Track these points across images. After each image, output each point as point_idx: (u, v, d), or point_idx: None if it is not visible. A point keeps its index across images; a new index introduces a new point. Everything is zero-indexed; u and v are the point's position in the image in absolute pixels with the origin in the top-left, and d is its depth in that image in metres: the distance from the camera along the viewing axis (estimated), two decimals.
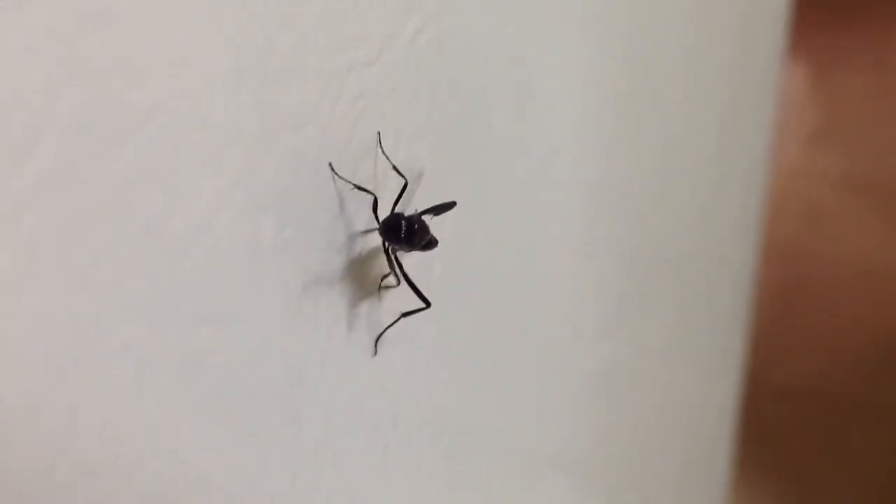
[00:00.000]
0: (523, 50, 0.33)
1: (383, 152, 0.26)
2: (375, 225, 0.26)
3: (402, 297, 0.28)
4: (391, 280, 0.27)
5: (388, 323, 0.28)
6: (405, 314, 0.27)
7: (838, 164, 1.09)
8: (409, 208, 0.27)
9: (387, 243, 0.26)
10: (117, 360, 0.20)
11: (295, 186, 0.24)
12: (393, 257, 0.26)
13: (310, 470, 0.26)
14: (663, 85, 0.49)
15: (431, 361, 0.32)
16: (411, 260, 0.28)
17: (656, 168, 0.50)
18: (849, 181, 1.08)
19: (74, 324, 0.19)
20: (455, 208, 0.28)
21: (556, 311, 0.42)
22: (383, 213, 0.26)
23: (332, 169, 0.25)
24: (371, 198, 0.25)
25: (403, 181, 0.26)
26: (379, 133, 0.26)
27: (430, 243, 0.27)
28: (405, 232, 0.25)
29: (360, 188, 0.25)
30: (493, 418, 0.38)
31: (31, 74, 0.17)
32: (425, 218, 0.27)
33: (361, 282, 0.27)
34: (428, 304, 0.27)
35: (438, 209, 0.27)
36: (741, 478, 0.80)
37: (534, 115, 0.35)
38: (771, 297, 0.94)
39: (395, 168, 0.26)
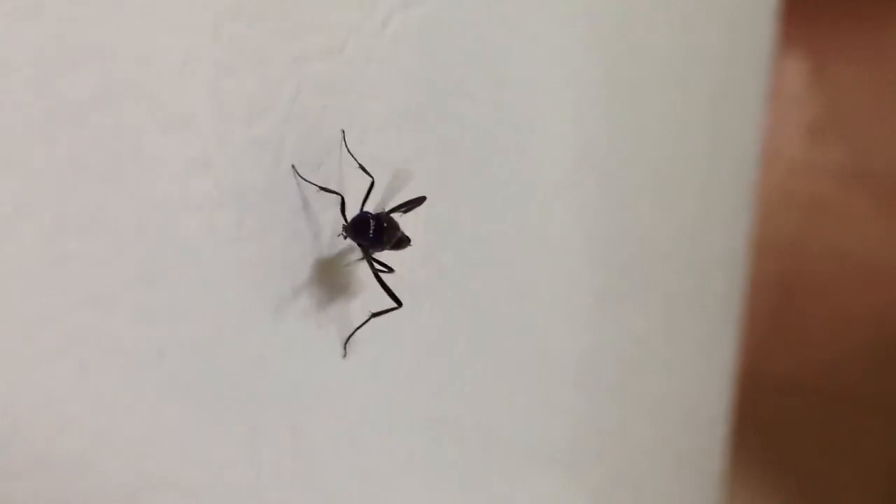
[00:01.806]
0: (499, 41, 0.32)
1: (348, 150, 0.25)
2: (343, 224, 0.25)
3: (372, 295, 0.27)
4: (343, 284, 0.26)
5: (358, 323, 0.27)
6: (375, 314, 0.27)
7: (837, 157, 1.08)
8: (377, 206, 0.26)
9: (356, 243, 0.25)
10: (63, 352, 0.19)
11: (254, 179, 0.23)
12: (366, 258, 0.26)
13: (274, 464, 0.25)
14: (650, 78, 0.48)
15: (407, 355, 0.31)
16: (382, 257, 0.28)
17: (645, 159, 0.50)
18: (848, 174, 1.07)
19: (14, 316, 0.18)
20: (427, 203, 0.27)
21: (541, 303, 0.42)
22: (351, 212, 0.25)
23: (296, 171, 0.24)
24: (338, 198, 0.25)
25: (370, 180, 0.25)
26: (343, 131, 0.25)
27: (402, 241, 0.26)
28: (374, 231, 0.24)
29: (325, 189, 0.24)
30: (480, 415, 0.38)
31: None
32: (395, 216, 0.26)
33: (327, 279, 0.26)
34: (399, 304, 0.26)
35: (408, 205, 0.26)
36: (737, 471, 0.79)
37: (511, 106, 0.34)
38: (770, 290, 0.94)
39: (361, 167, 0.25)
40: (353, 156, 0.25)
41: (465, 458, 0.37)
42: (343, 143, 0.25)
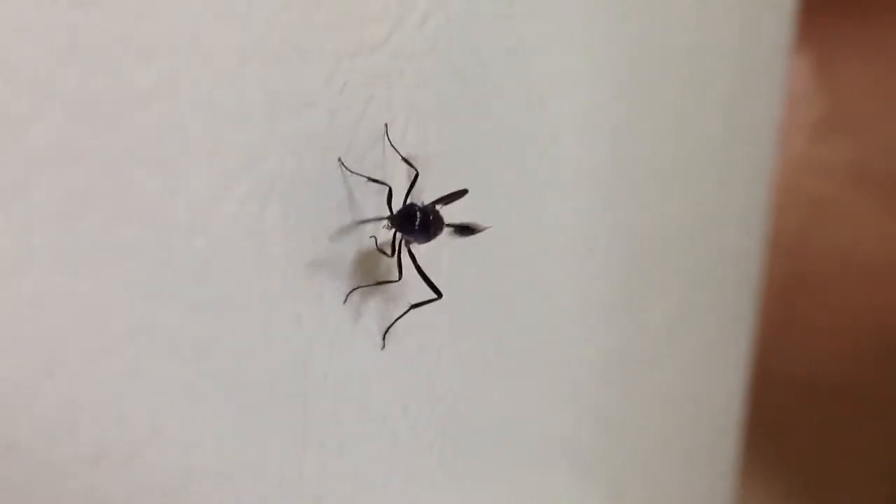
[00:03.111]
0: (529, 36, 0.33)
1: (391, 144, 0.25)
2: (387, 215, 0.25)
3: (411, 288, 0.27)
4: (392, 275, 0.26)
5: (398, 315, 0.27)
6: (414, 305, 0.27)
7: (843, 155, 1.08)
8: (418, 198, 0.26)
9: (400, 235, 0.25)
10: (117, 346, 0.19)
11: (300, 172, 0.23)
12: (406, 249, 0.26)
13: (317, 459, 0.26)
14: (668, 75, 0.48)
15: (441, 351, 0.31)
16: (418, 249, 0.28)
17: (662, 158, 0.50)
18: (854, 173, 1.07)
19: (74, 308, 0.18)
20: (462, 204, 0.27)
21: (561, 301, 0.42)
22: (395, 204, 0.25)
23: (342, 164, 0.24)
24: (385, 188, 0.25)
25: (414, 172, 0.26)
26: (386, 125, 0.25)
27: (468, 228, 0.27)
28: (420, 223, 0.25)
29: (373, 180, 0.25)
30: (498, 408, 0.38)
31: (31, 51, 0.17)
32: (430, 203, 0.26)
33: (369, 271, 0.26)
34: (440, 295, 0.26)
35: (449, 198, 0.26)
36: (746, 468, 0.80)
37: (540, 103, 0.34)
38: (775, 288, 0.94)
39: (405, 160, 0.25)
40: (395, 148, 0.25)
41: (482, 453, 0.37)
42: (386, 136, 0.25)
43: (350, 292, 0.25)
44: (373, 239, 0.25)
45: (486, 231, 0.33)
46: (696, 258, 0.60)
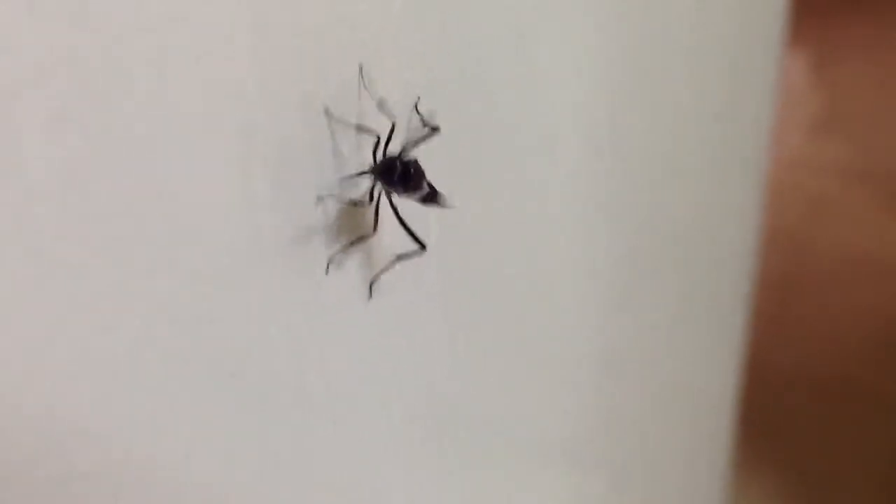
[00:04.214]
0: (526, 20, 0.33)
1: (366, 87, 0.25)
2: (370, 164, 0.25)
3: (398, 244, 0.28)
4: (368, 231, 0.26)
5: (384, 266, 0.28)
6: (400, 257, 0.27)
7: (840, 153, 1.08)
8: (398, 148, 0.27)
9: (380, 185, 0.26)
10: (112, 314, 0.20)
11: (287, 120, 0.24)
12: (388, 201, 0.26)
13: (302, 399, 0.26)
14: (663, 71, 0.48)
15: (435, 345, 0.32)
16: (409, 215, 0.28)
17: (656, 154, 0.50)
18: (850, 171, 1.08)
19: (68, 277, 0.19)
20: (450, 164, 0.28)
21: (555, 290, 0.42)
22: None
23: (329, 113, 0.25)
24: (373, 138, 0.25)
25: (392, 121, 0.26)
26: (360, 66, 0.25)
27: (435, 195, 0.27)
28: (400, 175, 0.25)
29: (363, 128, 0.25)
30: (486, 402, 0.38)
31: (27, 18, 0.17)
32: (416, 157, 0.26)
33: (356, 224, 0.27)
34: (423, 247, 0.27)
35: (422, 139, 0.27)
36: (742, 463, 0.80)
37: (535, 88, 0.35)
38: (772, 286, 0.94)
39: (380, 106, 0.26)
40: (371, 94, 0.25)
41: (477, 447, 0.37)
42: (360, 78, 0.25)
43: (329, 261, 0.26)
44: (339, 200, 0.26)
45: (478, 218, 0.33)
46: (691, 253, 0.60)
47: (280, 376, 0.25)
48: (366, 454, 0.30)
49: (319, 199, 0.25)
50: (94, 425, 0.20)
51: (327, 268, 0.26)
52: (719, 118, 0.59)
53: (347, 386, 0.28)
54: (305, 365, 0.26)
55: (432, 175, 0.26)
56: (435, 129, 0.26)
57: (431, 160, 0.28)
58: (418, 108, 0.27)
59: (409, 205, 0.27)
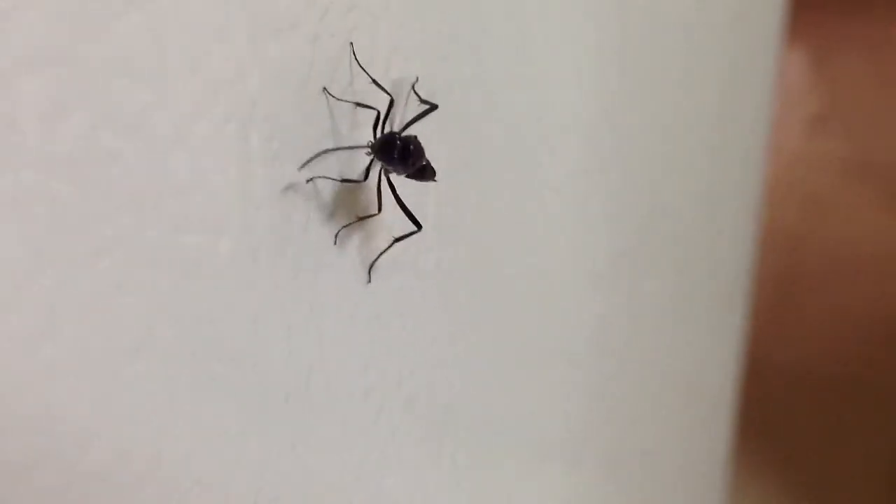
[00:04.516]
0: (526, 16, 0.33)
1: (360, 65, 0.25)
2: (370, 141, 0.25)
3: (395, 225, 0.28)
4: (371, 209, 0.26)
5: (382, 249, 0.27)
6: (398, 239, 0.27)
7: (838, 150, 1.08)
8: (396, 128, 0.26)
9: (379, 163, 0.25)
10: (97, 257, 0.19)
11: (283, 97, 0.23)
12: (386, 179, 0.26)
13: (301, 392, 0.26)
14: (663, 66, 0.48)
15: (431, 328, 0.31)
16: (407, 199, 0.28)
17: (656, 147, 0.50)
18: (848, 167, 1.08)
19: (55, 214, 0.19)
20: (449, 151, 0.27)
21: (554, 287, 0.42)
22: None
23: (327, 92, 0.24)
24: (374, 113, 0.25)
25: (389, 98, 0.26)
26: (351, 44, 0.25)
27: (428, 171, 0.27)
28: (399, 152, 0.25)
29: (361, 105, 0.25)
30: (490, 402, 0.38)
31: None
32: (415, 133, 0.26)
33: (350, 205, 0.26)
34: (419, 227, 0.27)
35: (420, 116, 0.26)
36: (740, 458, 0.79)
37: (533, 61, 0.34)
38: (771, 281, 0.94)
39: (375, 83, 0.25)
40: (365, 71, 0.25)
41: (475, 447, 0.37)
42: (352, 55, 0.25)
43: (337, 233, 0.25)
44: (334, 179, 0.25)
45: (478, 218, 0.33)
46: (691, 252, 0.60)
47: (279, 374, 0.25)
48: (365, 452, 0.29)
49: (309, 180, 0.24)
50: (95, 426, 0.20)
51: (335, 240, 0.25)
52: (718, 116, 0.59)
53: (348, 386, 0.28)
54: (305, 362, 0.26)
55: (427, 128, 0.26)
56: (433, 107, 0.26)
57: (431, 148, 0.27)
58: (415, 87, 0.26)
59: (405, 186, 0.27)
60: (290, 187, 0.24)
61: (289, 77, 0.23)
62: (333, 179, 0.25)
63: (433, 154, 0.27)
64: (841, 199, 1.07)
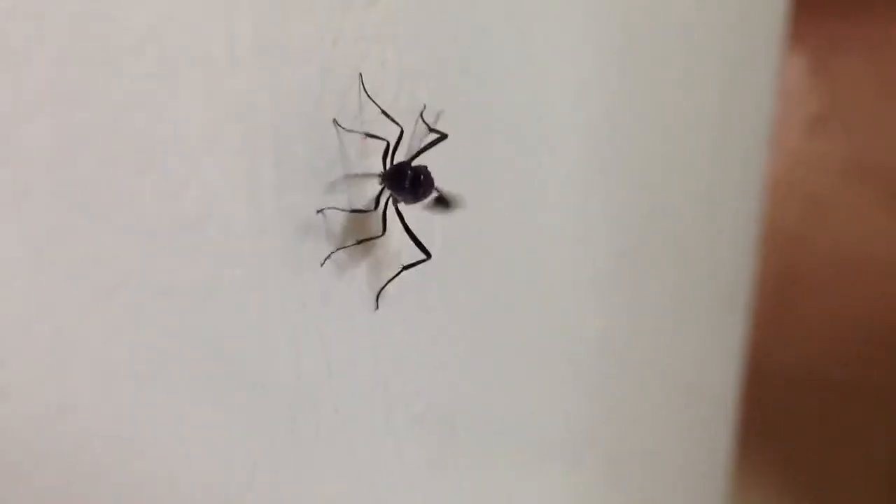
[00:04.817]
0: (528, 4, 0.33)
1: (369, 97, 0.25)
2: (381, 172, 0.25)
3: (402, 252, 0.27)
4: (376, 231, 0.26)
5: (390, 276, 0.27)
6: (406, 267, 0.27)
7: (838, 151, 1.08)
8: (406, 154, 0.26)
9: (389, 192, 0.25)
10: (110, 292, 0.19)
11: (294, 128, 0.23)
12: (395, 208, 0.26)
13: (310, 416, 0.26)
14: (663, 68, 0.48)
15: (433, 331, 0.31)
16: (413, 217, 0.28)
17: (656, 150, 0.50)
18: (848, 168, 1.07)
19: (67, 250, 0.18)
20: (449, 151, 0.27)
21: (555, 289, 0.42)
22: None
23: (337, 124, 0.24)
24: (383, 144, 0.25)
25: (399, 129, 0.26)
26: (361, 75, 0.25)
27: (444, 202, 0.26)
28: (410, 182, 0.25)
29: (371, 136, 0.25)
30: (491, 402, 0.38)
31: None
32: (425, 164, 0.26)
33: (360, 231, 0.26)
34: (428, 256, 0.26)
35: (430, 145, 0.26)
36: (741, 461, 0.80)
37: (536, 76, 0.34)
38: (772, 282, 0.94)
39: (385, 114, 0.25)
40: (375, 103, 0.25)
41: (476, 448, 0.37)
42: (361, 86, 0.25)
43: (332, 252, 0.25)
44: (344, 209, 0.25)
45: (478, 218, 0.33)
46: (692, 253, 0.60)
47: (282, 377, 0.25)
48: (367, 453, 0.29)
49: (320, 210, 0.24)
50: (97, 425, 0.20)
51: (323, 262, 0.25)
52: (719, 117, 0.59)
53: (349, 386, 0.28)
54: (307, 365, 0.26)
55: (439, 180, 0.26)
56: (442, 136, 0.26)
57: (434, 165, 0.27)
58: (423, 115, 0.26)
59: (413, 213, 0.27)
60: (300, 217, 0.24)
61: (299, 107, 0.23)
62: (343, 210, 0.25)
63: (437, 172, 0.27)
64: (841, 200, 1.07)
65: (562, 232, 0.40)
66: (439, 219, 0.30)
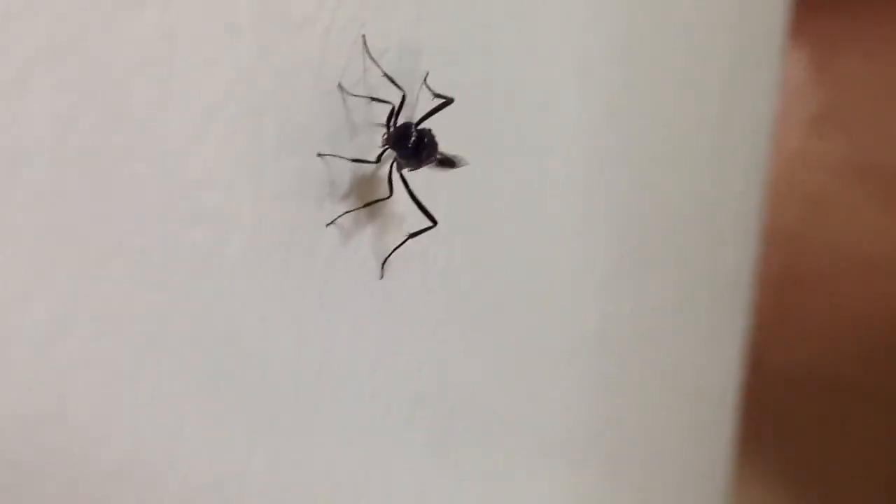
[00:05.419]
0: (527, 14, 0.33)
1: (372, 58, 0.25)
2: (385, 134, 0.25)
3: (407, 219, 0.27)
4: (382, 193, 0.26)
5: (395, 244, 0.27)
6: (412, 234, 0.27)
7: (839, 150, 1.08)
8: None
9: (393, 156, 0.25)
10: (111, 254, 0.19)
11: (297, 89, 0.23)
12: (399, 175, 0.26)
13: (311, 391, 0.26)
14: (664, 67, 0.48)
15: (434, 322, 0.31)
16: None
17: (658, 148, 0.50)
18: (849, 167, 1.08)
19: (68, 213, 0.18)
20: (452, 151, 0.27)
21: (555, 289, 0.42)
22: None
23: (342, 88, 0.24)
24: (386, 107, 0.25)
25: (401, 94, 0.25)
26: (363, 36, 0.24)
27: (450, 161, 0.26)
28: (414, 143, 0.24)
29: (375, 99, 0.24)
30: (491, 400, 0.38)
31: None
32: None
33: (366, 196, 0.26)
34: (434, 222, 0.26)
35: (436, 109, 0.26)
36: (742, 460, 0.79)
37: (539, 60, 0.34)
38: (772, 281, 0.94)
39: (387, 77, 0.25)
40: (378, 65, 0.25)
41: (476, 446, 0.37)
42: (364, 48, 0.25)
43: (339, 216, 0.25)
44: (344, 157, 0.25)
45: (480, 217, 0.33)
46: (692, 252, 0.60)
47: (285, 368, 0.25)
48: (367, 449, 0.29)
49: (320, 154, 0.24)
50: (100, 425, 0.20)
51: (329, 224, 0.25)
52: (721, 116, 0.59)
53: (350, 386, 0.28)
54: (311, 357, 0.26)
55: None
56: (448, 100, 0.26)
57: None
58: (427, 81, 0.26)
59: (418, 181, 0.27)
60: (302, 183, 0.24)
61: (301, 72, 0.23)
62: (344, 158, 0.25)
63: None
64: (841, 200, 1.07)
65: (562, 231, 0.40)
66: (446, 199, 0.30)
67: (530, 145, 0.35)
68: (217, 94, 0.21)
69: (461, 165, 0.27)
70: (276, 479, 0.25)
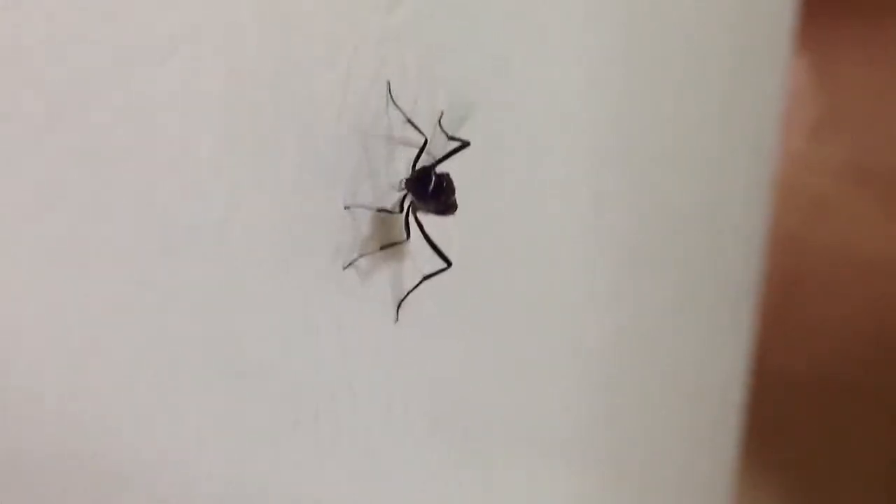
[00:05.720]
0: (542, 10, 0.32)
1: (395, 104, 0.25)
2: (402, 179, 0.25)
3: (419, 259, 0.27)
4: (399, 236, 0.26)
5: (409, 285, 0.27)
6: (427, 276, 0.26)
7: (841, 154, 1.08)
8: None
9: (411, 198, 0.25)
10: (111, 254, 0.19)
11: (316, 130, 0.23)
12: (414, 217, 0.25)
13: (331, 411, 0.25)
14: (668, 73, 0.48)
15: (440, 327, 0.31)
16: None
17: (662, 154, 0.50)
18: (852, 172, 1.08)
19: (68, 211, 0.18)
20: (462, 169, 0.27)
21: (558, 292, 0.42)
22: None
23: (389, 89, 0.24)
24: (406, 151, 0.24)
25: (423, 138, 0.25)
26: (388, 83, 0.24)
27: (451, 207, 0.26)
28: (433, 188, 0.24)
29: (412, 123, 0.24)
30: (493, 402, 0.38)
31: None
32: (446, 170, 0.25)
33: (385, 236, 0.26)
34: (449, 264, 0.26)
35: (453, 152, 0.26)
36: (744, 463, 0.80)
37: (534, 57, 0.34)
38: (774, 285, 0.94)
39: (410, 122, 0.25)
40: (401, 110, 0.25)
41: (477, 447, 0.37)
42: (388, 95, 0.25)
43: (355, 259, 0.25)
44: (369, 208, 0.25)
45: (483, 218, 0.32)
46: (697, 255, 0.59)
47: (301, 377, 0.25)
48: (369, 451, 0.29)
49: (347, 206, 0.24)
50: (105, 425, 0.20)
51: (346, 266, 0.25)
52: (725, 120, 0.59)
53: (351, 387, 0.27)
54: (326, 368, 0.25)
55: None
56: (464, 144, 0.26)
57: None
58: (441, 123, 0.26)
59: (431, 221, 0.26)
60: (323, 218, 0.24)
61: (323, 113, 0.23)
62: (368, 208, 0.24)
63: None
64: (843, 203, 1.07)
65: (566, 234, 0.40)
66: (459, 239, 0.29)
67: (529, 150, 0.35)
68: (238, 129, 0.21)
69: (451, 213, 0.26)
70: (298, 486, 0.25)
